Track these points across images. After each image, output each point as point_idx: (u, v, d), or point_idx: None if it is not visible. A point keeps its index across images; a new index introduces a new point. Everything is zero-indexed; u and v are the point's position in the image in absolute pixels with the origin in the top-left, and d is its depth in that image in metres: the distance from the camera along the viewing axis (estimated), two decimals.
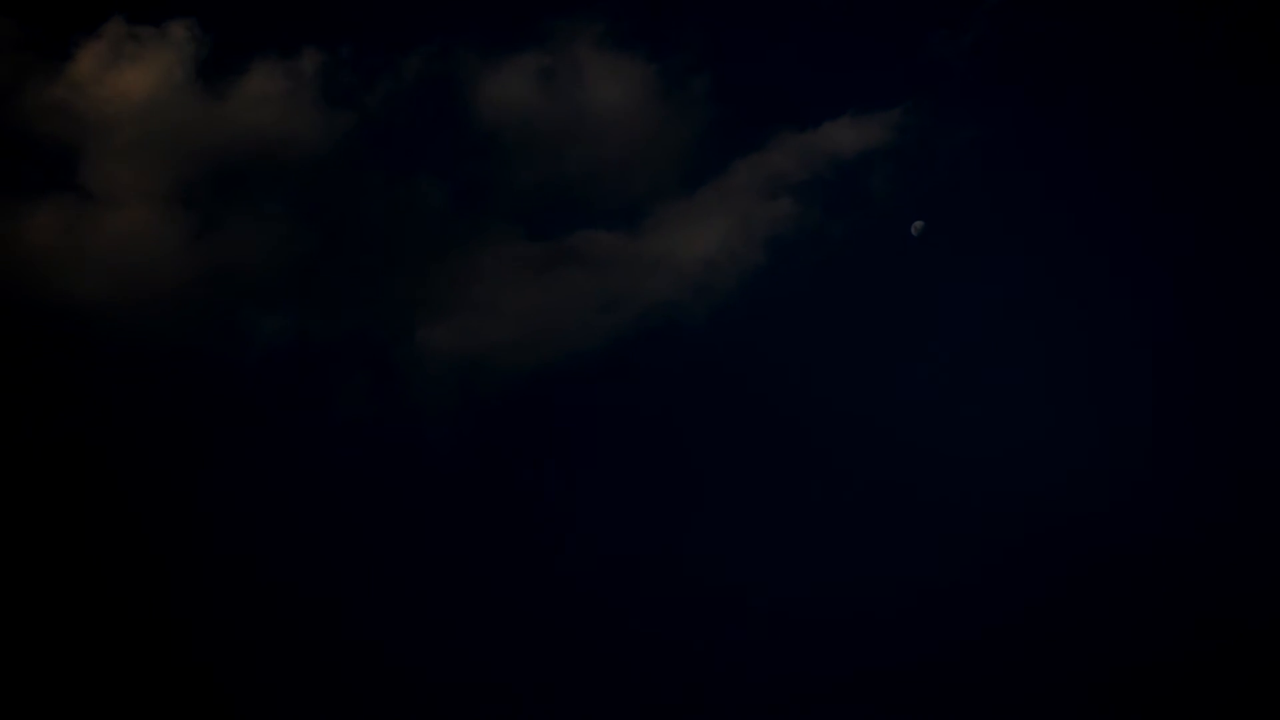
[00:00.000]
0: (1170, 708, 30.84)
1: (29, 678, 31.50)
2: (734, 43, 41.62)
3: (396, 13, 41.83)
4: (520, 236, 39.99)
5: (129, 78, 40.08)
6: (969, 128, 39.83)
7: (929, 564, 33.51)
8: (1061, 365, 36.41)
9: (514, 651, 33.10)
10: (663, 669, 32.96)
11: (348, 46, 41.41)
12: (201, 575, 33.82)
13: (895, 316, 37.44)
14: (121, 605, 33.07)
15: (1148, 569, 32.46)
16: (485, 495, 35.97)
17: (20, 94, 39.69)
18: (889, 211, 38.81)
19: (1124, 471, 33.83)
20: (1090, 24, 39.71)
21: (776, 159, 40.32)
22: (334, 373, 37.79)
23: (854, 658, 32.44)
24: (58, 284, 37.65)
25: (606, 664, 33.03)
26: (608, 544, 35.06)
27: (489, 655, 32.98)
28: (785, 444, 35.84)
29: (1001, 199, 39.01)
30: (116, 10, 40.83)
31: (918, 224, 35.73)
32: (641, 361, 37.68)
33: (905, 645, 32.45)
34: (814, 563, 33.86)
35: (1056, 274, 37.71)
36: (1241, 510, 32.97)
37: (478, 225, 39.97)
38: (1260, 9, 38.56)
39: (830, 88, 40.85)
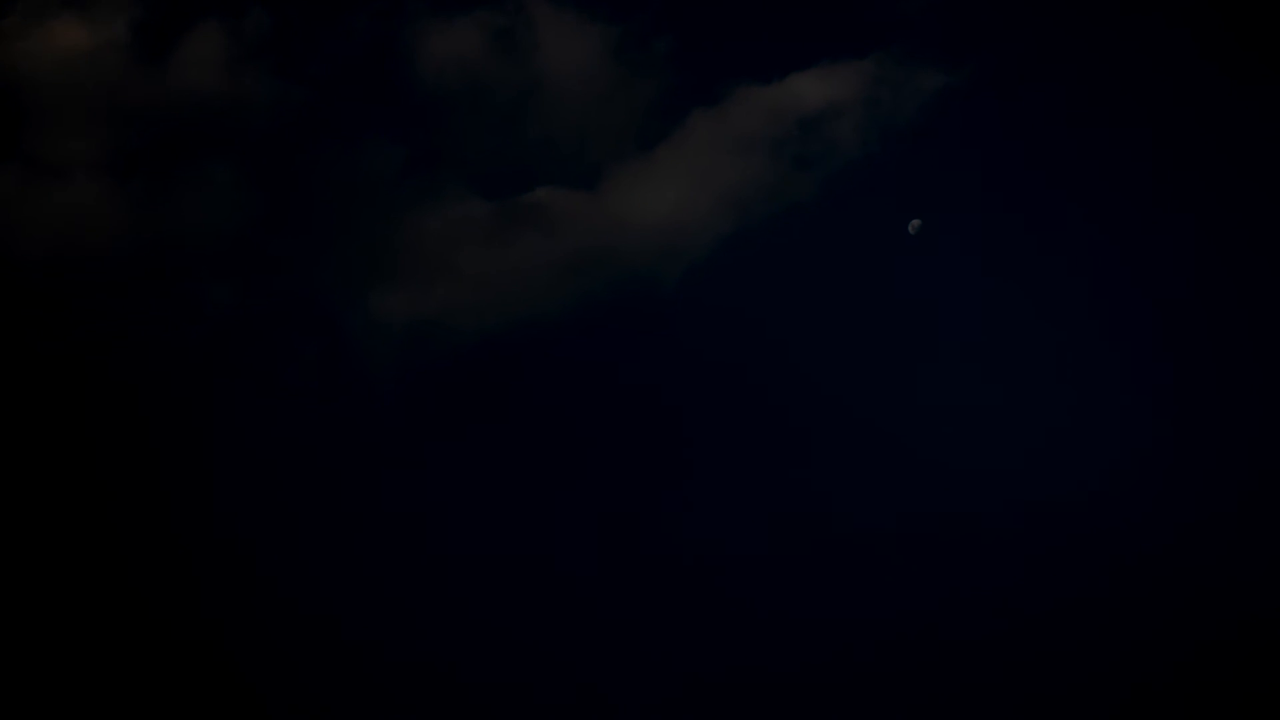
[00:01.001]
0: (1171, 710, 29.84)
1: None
2: None
3: None
4: (474, 196, 38.76)
5: (62, 34, 38.64)
6: (939, 78, 38.64)
7: (909, 534, 32.35)
8: (1044, 322, 35.31)
9: (465, 620, 31.99)
10: (629, 646, 31.79)
11: (294, 7, 40.34)
12: (151, 546, 32.73)
13: (872, 277, 36.16)
14: (75, 575, 32.18)
15: (1145, 569, 31.26)
16: (441, 465, 34.80)
17: None
18: (859, 166, 37.67)
19: (1108, 460, 32.76)
20: None
21: (740, 114, 39.10)
22: (284, 341, 36.58)
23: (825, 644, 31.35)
24: None
25: (563, 635, 31.96)
26: (571, 515, 33.84)
27: (439, 623, 31.92)
28: (764, 412, 34.58)
29: (974, 151, 37.84)
30: None
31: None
32: (609, 326, 36.48)
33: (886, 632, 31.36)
34: (790, 536, 32.69)
35: (1035, 228, 36.64)
36: (1245, 509, 31.70)
37: (431, 187, 38.79)
38: None
39: (795, 39, 39.59)
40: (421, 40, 40.17)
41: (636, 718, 30.83)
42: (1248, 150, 35.94)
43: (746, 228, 37.35)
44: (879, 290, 35.92)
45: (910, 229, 35.13)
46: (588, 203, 38.41)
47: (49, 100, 38.56)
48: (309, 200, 38.31)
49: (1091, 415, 33.39)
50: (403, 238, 37.86)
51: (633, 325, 36.46)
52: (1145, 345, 34.64)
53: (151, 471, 33.77)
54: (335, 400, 35.70)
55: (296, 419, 35.04)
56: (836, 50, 39.39)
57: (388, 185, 38.71)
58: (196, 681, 30.86)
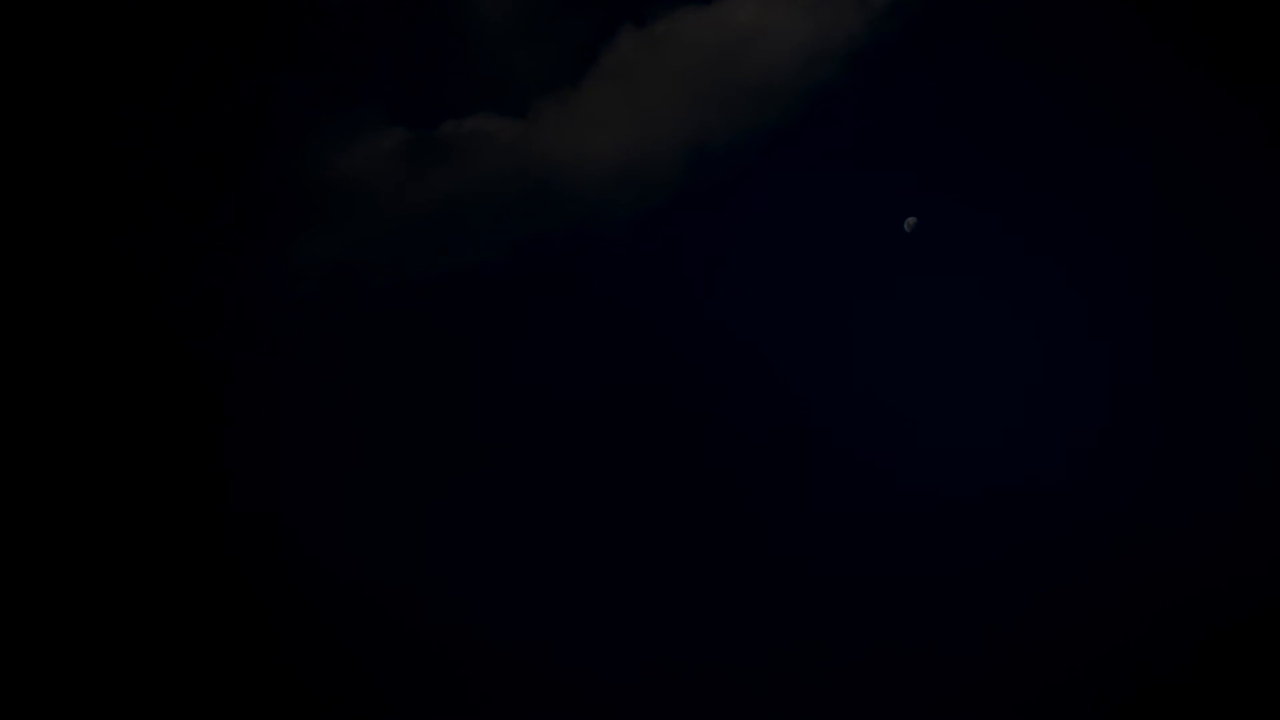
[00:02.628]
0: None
1: None
2: None
3: None
4: (390, 126, 35.88)
5: None
6: None
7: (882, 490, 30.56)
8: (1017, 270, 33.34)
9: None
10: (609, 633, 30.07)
11: None
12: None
13: (835, 215, 33.93)
14: None
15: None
16: (362, 420, 32.56)
17: None
18: (809, 95, 35.23)
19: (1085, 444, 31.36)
20: None
21: (676, 37, 36.28)
22: (192, 292, 33.71)
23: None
24: None
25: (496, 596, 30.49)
26: (508, 480, 31.86)
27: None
28: (726, 368, 32.38)
29: (927, 70, 35.45)
30: None
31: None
32: (549, 273, 33.92)
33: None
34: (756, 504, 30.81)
35: (1002, 160, 34.56)
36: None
37: (341, 118, 35.72)
38: None
39: None
40: None
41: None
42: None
43: (700, 162, 34.96)
44: (843, 228, 33.77)
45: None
46: (519, 134, 35.68)
47: None
48: (208, 140, 35.06)
49: (1071, 400, 32.03)
50: (313, 174, 35.09)
51: (574, 273, 33.97)
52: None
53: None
54: (248, 354, 33.03)
55: (209, 373, 32.83)
56: None
57: (299, 119, 35.65)
58: None
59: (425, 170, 35.03)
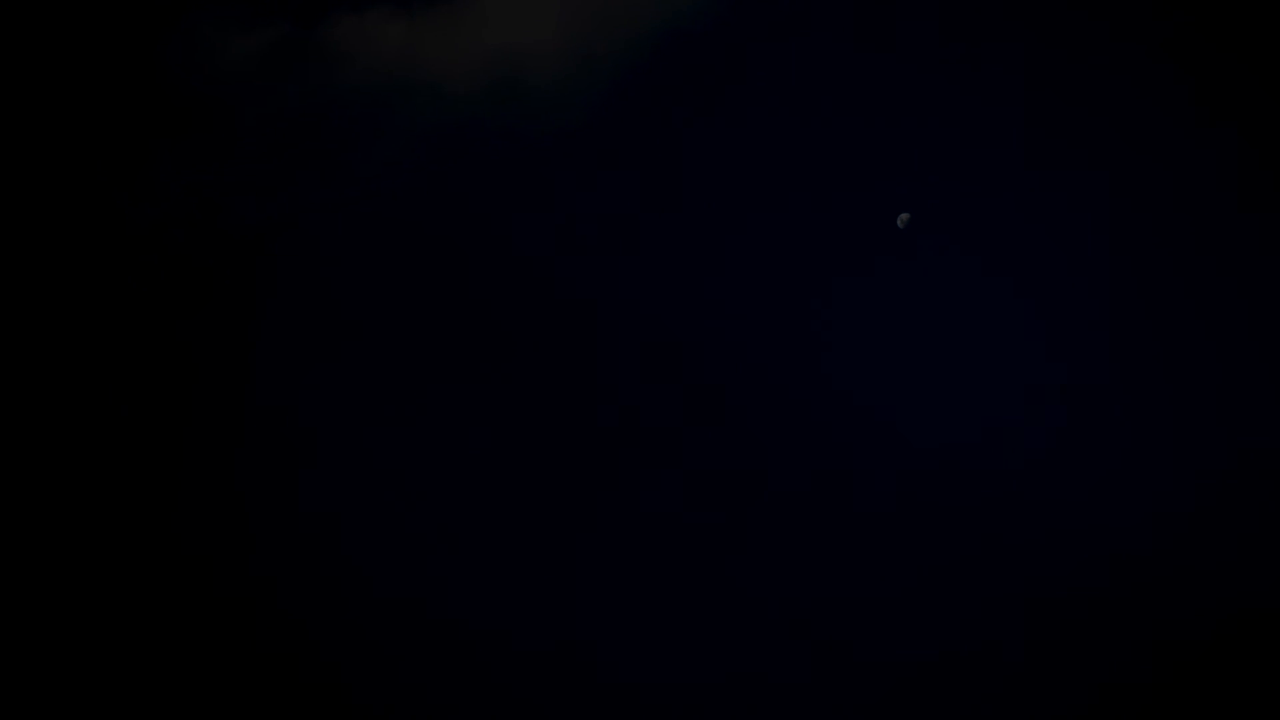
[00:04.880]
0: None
1: None
2: None
3: None
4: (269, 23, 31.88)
5: None
6: None
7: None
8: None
9: None
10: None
11: None
12: None
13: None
14: None
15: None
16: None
17: None
18: None
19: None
20: None
21: None
22: None
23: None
24: None
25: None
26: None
27: None
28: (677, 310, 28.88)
29: None
30: None
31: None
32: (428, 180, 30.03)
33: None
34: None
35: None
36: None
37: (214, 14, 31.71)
38: None
39: None
40: None
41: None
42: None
43: (586, 66, 30.93)
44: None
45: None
46: (412, 30, 31.50)
47: None
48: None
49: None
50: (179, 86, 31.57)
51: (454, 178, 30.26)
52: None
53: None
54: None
55: None
56: None
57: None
58: None
59: (302, 70, 31.24)
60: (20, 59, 31.54)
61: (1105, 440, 28.22)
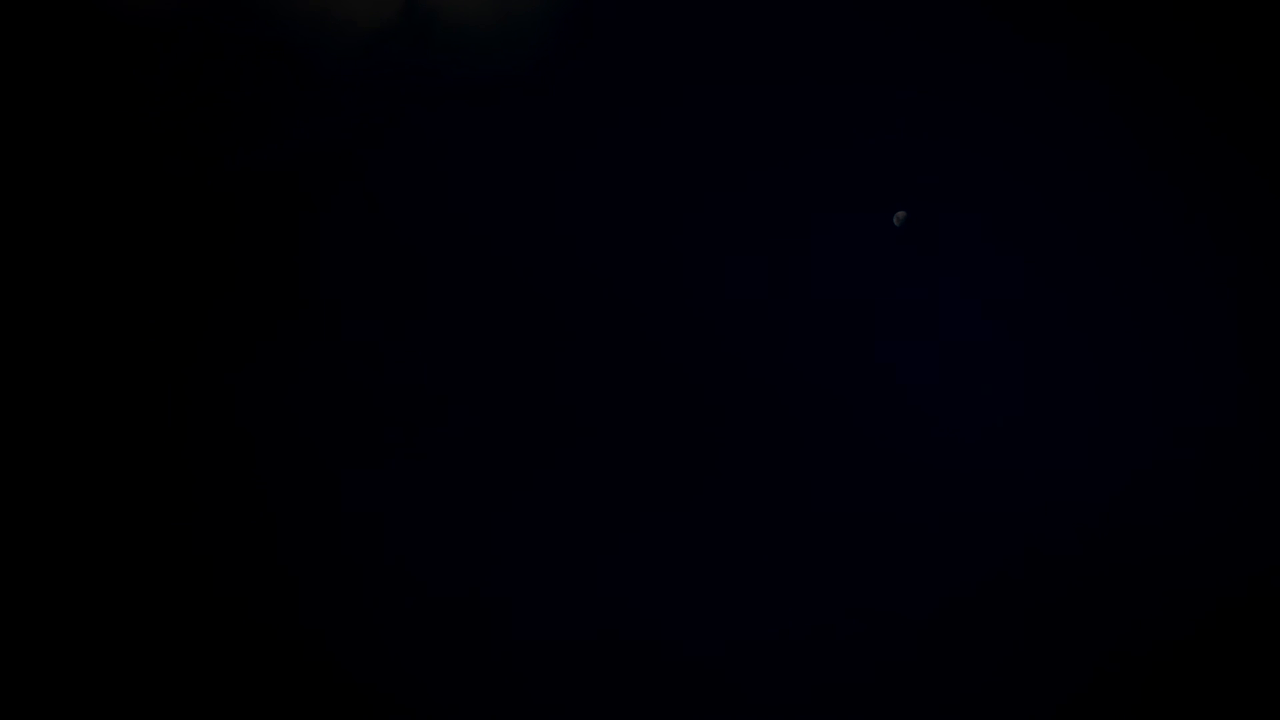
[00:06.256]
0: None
1: None
2: None
3: None
4: None
5: None
6: None
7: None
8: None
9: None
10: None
11: None
12: None
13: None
14: None
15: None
16: None
17: None
18: None
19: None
20: None
21: None
22: None
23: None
24: None
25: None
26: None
27: None
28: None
29: None
30: None
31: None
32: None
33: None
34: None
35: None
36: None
37: None
38: None
39: None
40: None
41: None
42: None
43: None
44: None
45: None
46: None
47: None
48: None
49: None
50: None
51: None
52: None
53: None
54: None
55: None
56: None
57: None
58: None
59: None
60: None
61: (1081, 418, 27.77)
